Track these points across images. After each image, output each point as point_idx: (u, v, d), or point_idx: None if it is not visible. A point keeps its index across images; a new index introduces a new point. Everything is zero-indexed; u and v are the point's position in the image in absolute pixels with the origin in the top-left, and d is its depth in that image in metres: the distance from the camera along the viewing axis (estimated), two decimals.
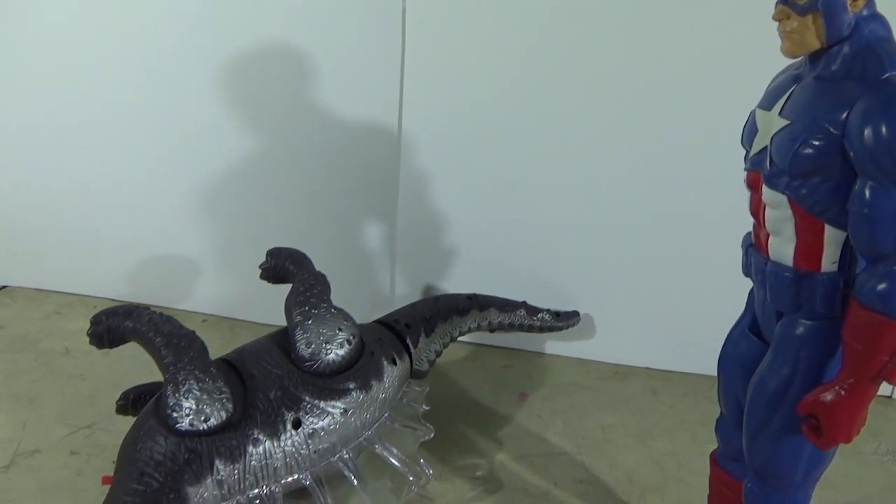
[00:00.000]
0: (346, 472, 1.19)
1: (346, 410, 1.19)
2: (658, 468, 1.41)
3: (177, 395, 1.08)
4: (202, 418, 1.07)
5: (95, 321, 1.18)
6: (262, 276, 1.42)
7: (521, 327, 1.65)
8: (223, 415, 1.09)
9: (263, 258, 1.41)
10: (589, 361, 1.78)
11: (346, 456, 1.21)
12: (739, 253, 1.12)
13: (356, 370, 1.24)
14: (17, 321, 1.82)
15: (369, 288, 1.80)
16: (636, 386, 1.70)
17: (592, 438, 1.49)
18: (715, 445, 1.07)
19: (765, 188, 0.80)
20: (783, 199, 0.77)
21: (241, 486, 1.11)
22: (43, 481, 1.29)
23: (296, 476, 1.15)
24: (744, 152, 0.89)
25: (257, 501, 1.12)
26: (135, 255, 1.89)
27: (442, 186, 1.70)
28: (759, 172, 0.81)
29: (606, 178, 1.63)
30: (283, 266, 1.39)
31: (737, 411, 0.96)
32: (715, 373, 1.67)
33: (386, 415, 1.29)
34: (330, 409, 1.18)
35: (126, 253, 1.90)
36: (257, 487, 1.12)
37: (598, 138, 1.61)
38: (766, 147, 0.80)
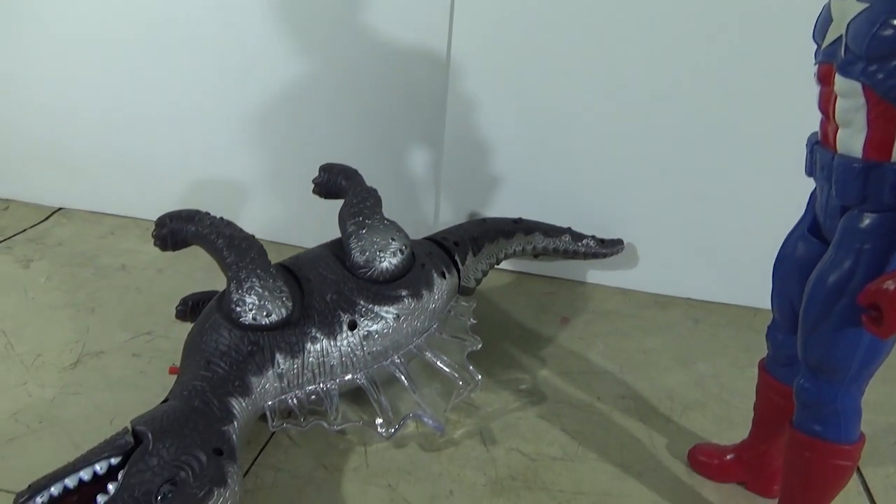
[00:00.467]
0: (398, 375, 1.23)
1: (398, 316, 1.23)
2: (699, 388, 1.43)
3: (240, 291, 1.13)
4: (264, 313, 1.12)
5: (160, 223, 1.22)
6: (315, 191, 1.45)
7: (566, 253, 1.67)
8: (283, 312, 1.14)
9: (310, 182, 1.44)
10: (630, 291, 1.79)
11: (398, 361, 1.25)
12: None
13: (408, 279, 1.27)
14: (74, 240, 1.89)
15: (413, 214, 1.82)
16: (677, 314, 1.71)
17: (634, 360, 1.51)
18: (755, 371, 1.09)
19: (837, 77, 0.79)
20: (857, 86, 0.77)
21: (300, 381, 1.16)
22: (108, 378, 1.36)
23: (350, 376, 1.20)
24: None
25: (314, 396, 1.17)
26: (185, 179, 1.94)
27: (490, 112, 1.70)
28: (832, 63, 0.80)
29: (654, 106, 1.62)
30: (335, 181, 1.42)
31: (790, 316, 0.97)
32: (757, 305, 1.70)
33: (435, 326, 1.33)
34: (384, 314, 1.22)
35: (176, 177, 1.94)
36: (314, 384, 1.17)
37: (647, 65, 1.58)
38: (840, 36, 0.79)
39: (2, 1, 1.84)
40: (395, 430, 1.17)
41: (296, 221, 1.88)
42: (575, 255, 1.68)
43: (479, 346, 1.32)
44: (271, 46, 1.73)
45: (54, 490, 0.89)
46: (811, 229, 0.93)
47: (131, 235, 1.92)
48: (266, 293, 1.13)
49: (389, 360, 1.24)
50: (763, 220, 1.61)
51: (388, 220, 1.32)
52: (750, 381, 1.19)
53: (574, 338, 1.59)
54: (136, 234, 1.93)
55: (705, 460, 1.20)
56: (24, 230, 1.92)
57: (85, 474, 0.91)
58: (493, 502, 1.11)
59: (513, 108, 1.69)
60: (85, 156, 1.99)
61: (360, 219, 1.30)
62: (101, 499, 0.89)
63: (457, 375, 1.26)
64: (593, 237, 1.68)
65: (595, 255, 1.70)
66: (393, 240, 1.28)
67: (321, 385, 1.18)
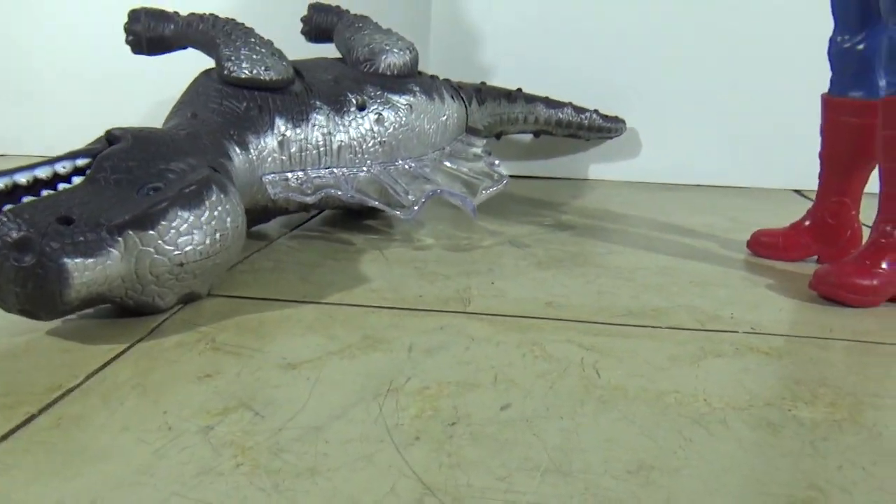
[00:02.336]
0: (416, 172, 1.07)
1: (410, 106, 1.09)
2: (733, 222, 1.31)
3: (232, 48, 0.97)
4: (263, 67, 0.96)
5: (133, 17, 1.08)
6: (304, 31, 1.33)
7: (569, 127, 1.57)
8: (283, 72, 0.98)
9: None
10: (637, 183, 1.69)
11: (413, 164, 1.09)
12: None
13: (417, 80, 1.15)
14: None
15: None
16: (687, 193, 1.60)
17: (659, 211, 1.39)
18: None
19: None
20: None
21: (303, 158, 0.98)
22: None
23: (361, 166, 1.03)
24: None
25: (319, 179, 0.99)
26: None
27: None
28: None
29: None
30: (327, 18, 1.31)
31: (855, 7, 0.90)
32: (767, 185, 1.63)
33: (448, 149, 1.19)
34: (395, 100, 1.08)
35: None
36: (321, 166, 1.00)
37: None
38: None
39: None
40: (418, 207, 0.99)
41: None
42: (579, 129, 1.58)
43: (498, 162, 1.18)
44: None
45: (0, 183, 0.69)
46: None
47: None
48: (263, 49, 0.98)
49: (404, 161, 1.09)
50: (767, 99, 1.58)
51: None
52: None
53: (592, 200, 1.45)
54: None
55: (769, 241, 1.05)
56: None
57: (42, 172, 0.71)
58: (539, 274, 0.93)
59: None
60: None
61: (361, 25, 1.18)
62: (60, 186, 0.69)
63: (480, 178, 1.11)
64: (596, 111, 1.59)
65: (599, 131, 1.60)
66: (399, 40, 1.16)
67: (329, 171, 1.00)
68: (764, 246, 1.06)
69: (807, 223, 1.03)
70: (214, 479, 0.45)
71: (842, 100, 0.95)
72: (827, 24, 0.96)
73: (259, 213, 1.00)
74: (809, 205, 1.05)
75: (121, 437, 0.50)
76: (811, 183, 1.67)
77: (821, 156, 1.01)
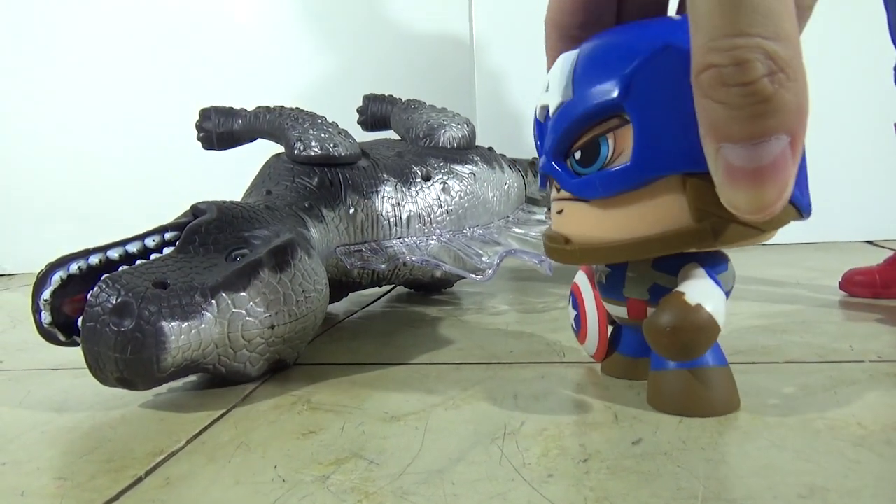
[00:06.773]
0: (484, 238, 1.06)
1: (474, 175, 1.10)
2: None
3: (298, 129, 1.01)
4: (332, 144, 0.99)
5: (204, 115, 1.13)
6: (360, 121, 1.38)
7: None
8: (351, 148, 1.01)
9: None
10: None
11: (481, 232, 1.09)
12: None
13: (477, 150, 1.16)
14: None
15: None
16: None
17: None
18: None
19: None
20: None
21: (375, 229, 0.98)
22: None
23: (429, 235, 1.03)
24: None
25: (391, 249, 0.98)
26: None
27: (519, 85, 1.70)
28: None
29: None
30: (381, 107, 1.36)
31: None
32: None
33: (511, 216, 1.18)
34: (458, 169, 1.09)
35: None
36: (392, 236, 1.00)
37: None
38: None
39: None
40: (494, 269, 0.97)
41: None
42: None
43: None
44: (291, 53, 1.77)
45: (93, 259, 0.70)
46: None
47: None
48: (330, 128, 1.01)
49: (472, 230, 1.08)
50: (828, 150, 1.56)
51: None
52: None
53: None
54: None
55: (865, 279, 1.00)
56: None
57: (133, 247, 0.72)
58: None
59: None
60: None
61: (416, 106, 1.22)
62: (153, 257, 0.70)
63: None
64: None
65: None
66: (456, 115, 1.19)
67: (399, 240, 1.00)
68: (859, 285, 1.00)
69: None
70: None
71: None
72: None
73: (334, 287, 0.99)
74: (885, 254, 1.01)
75: (234, 490, 0.47)
76: (883, 233, 1.62)
77: None
